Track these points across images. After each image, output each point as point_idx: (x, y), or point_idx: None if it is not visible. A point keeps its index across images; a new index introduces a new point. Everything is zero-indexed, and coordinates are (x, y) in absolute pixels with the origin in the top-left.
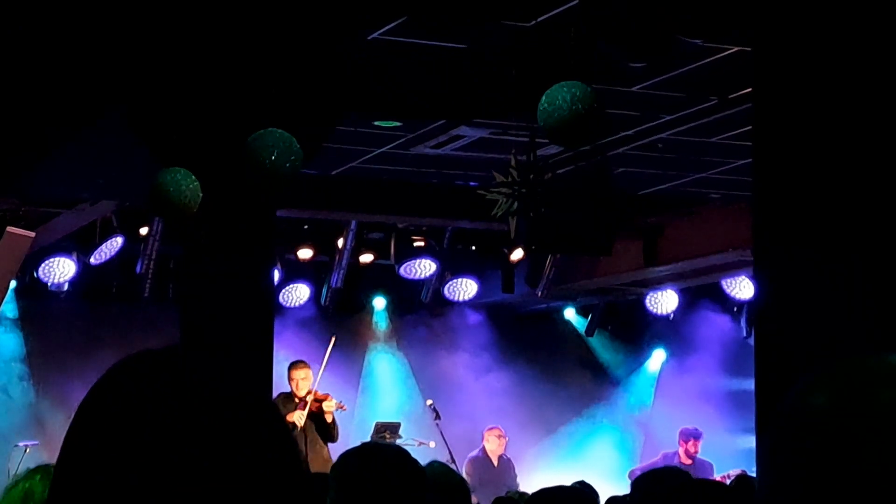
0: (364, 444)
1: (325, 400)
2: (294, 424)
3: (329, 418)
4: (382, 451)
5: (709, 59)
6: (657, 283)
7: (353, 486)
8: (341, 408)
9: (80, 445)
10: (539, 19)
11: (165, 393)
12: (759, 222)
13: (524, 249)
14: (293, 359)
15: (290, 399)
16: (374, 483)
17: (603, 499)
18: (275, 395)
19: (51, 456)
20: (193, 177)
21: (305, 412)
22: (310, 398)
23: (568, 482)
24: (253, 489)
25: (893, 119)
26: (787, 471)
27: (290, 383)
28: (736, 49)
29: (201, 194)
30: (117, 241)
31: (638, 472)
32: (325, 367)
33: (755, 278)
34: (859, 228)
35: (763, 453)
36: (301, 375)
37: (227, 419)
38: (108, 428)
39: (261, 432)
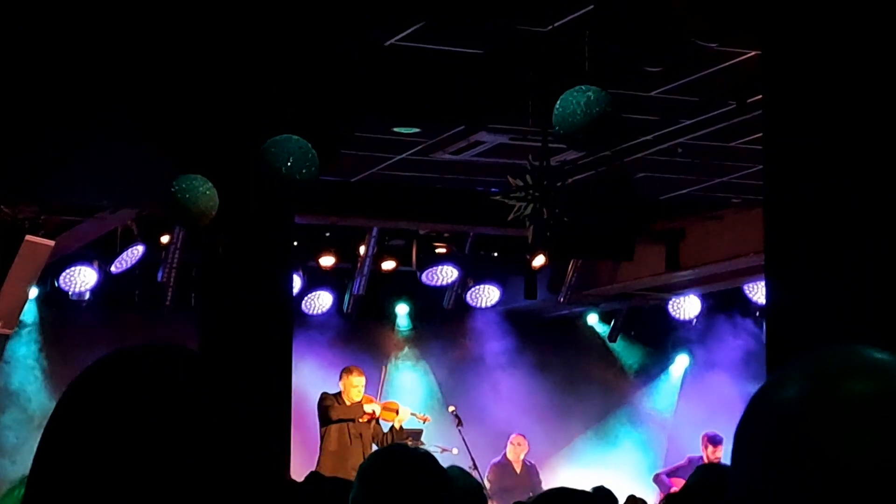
0: (391, 446)
1: (397, 409)
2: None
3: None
4: (408, 453)
5: (726, 63)
6: (679, 289)
7: (375, 486)
8: (425, 419)
9: (54, 445)
10: (555, 24)
11: (138, 393)
12: (771, 227)
13: (543, 254)
14: (316, 366)
15: (340, 400)
16: (396, 484)
17: None
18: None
19: None
20: (210, 184)
21: (378, 406)
22: (378, 408)
23: (589, 487)
24: (224, 490)
25: None
26: (756, 462)
27: (345, 388)
28: (753, 53)
29: (219, 201)
30: (138, 250)
31: (663, 477)
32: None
33: (767, 283)
34: (871, 232)
35: (735, 445)
36: (359, 382)
37: (197, 420)
38: (80, 428)
39: (231, 434)
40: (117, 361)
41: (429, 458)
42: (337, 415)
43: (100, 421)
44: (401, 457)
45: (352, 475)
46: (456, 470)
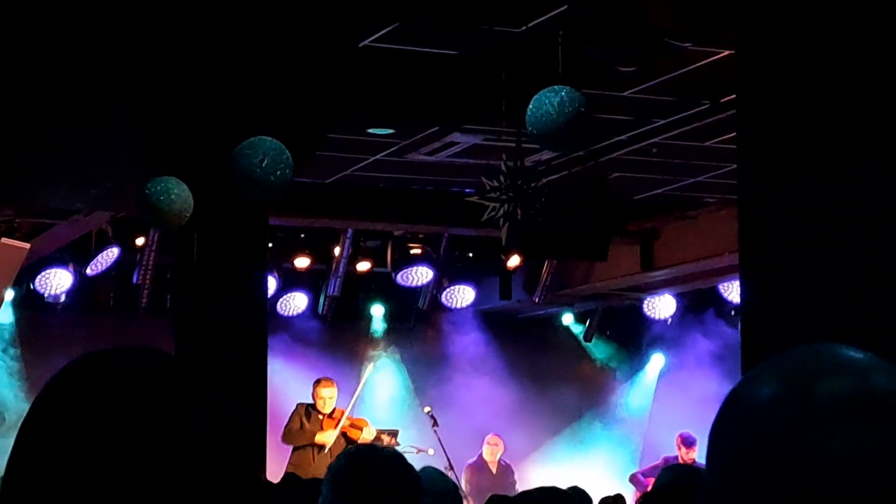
0: (359, 447)
1: (363, 427)
2: (322, 446)
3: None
4: (377, 454)
5: (700, 63)
6: (654, 288)
7: (345, 488)
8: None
9: (28, 447)
10: (528, 25)
11: (111, 395)
12: (745, 226)
13: (518, 255)
14: (291, 368)
15: (312, 413)
16: (366, 485)
17: None
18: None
19: None
20: (184, 185)
21: (336, 433)
22: (345, 420)
23: (566, 487)
24: (200, 492)
25: (880, 122)
26: (730, 462)
27: (315, 399)
28: (727, 53)
29: (193, 203)
30: (113, 252)
31: (639, 476)
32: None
33: (741, 282)
34: (845, 231)
35: (709, 445)
36: (328, 393)
37: (171, 422)
38: (53, 430)
39: (206, 436)
40: (90, 363)
41: (398, 457)
42: (290, 441)
43: (73, 423)
44: (370, 457)
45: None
46: (431, 471)
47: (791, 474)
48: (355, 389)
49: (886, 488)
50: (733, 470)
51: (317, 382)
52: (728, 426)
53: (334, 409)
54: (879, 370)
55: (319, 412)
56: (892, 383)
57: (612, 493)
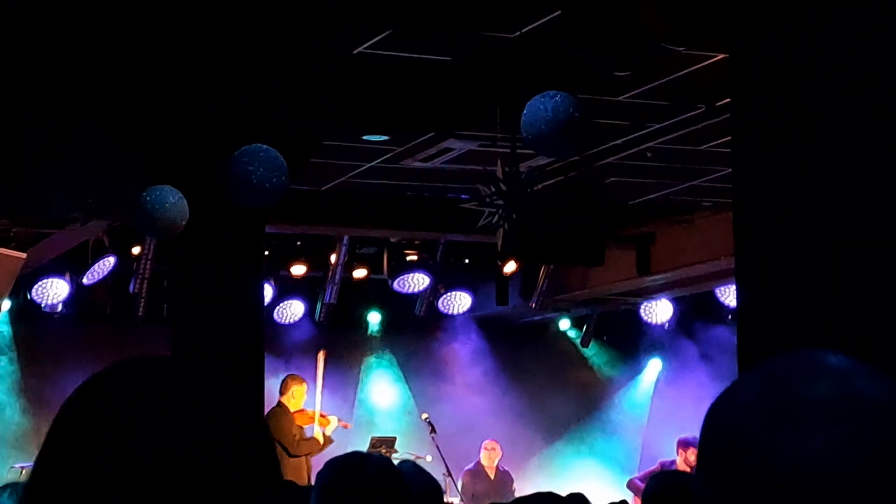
0: (347, 454)
1: (329, 423)
2: (316, 441)
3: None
4: (365, 460)
5: (695, 67)
6: (651, 293)
7: (334, 497)
8: (345, 426)
9: (59, 447)
10: (522, 30)
11: (149, 400)
12: (740, 230)
13: (514, 261)
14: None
15: (286, 414)
16: (355, 494)
17: None
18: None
19: None
20: (180, 194)
21: (318, 426)
22: (317, 416)
23: (564, 493)
24: (232, 497)
25: (875, 126)
26: (715, 465)
27: (287, 398)
28: (721, 56)
29: (188, 211)
30: (109, 261)
31: (637, 482)
32: (322, 383)
33: (737, 286)
34: (841, 234)
35: (698, 450)
36: (301, 390)
37: (209, 426)
38: (88, 432)
39: (244, 445)
40: (115, 373)
41: (387, 465)
42: (309, 450)
43: (98, 431)
44: (359, 465)
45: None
46: (410, 465)
47: (772, 476)
48: (353, 394)
49: (866, 489)
50: (719, 474)
51: (292, 380)
52: (712, 432)
53: (302, 408)
54: (861, 374)
55: (289, 411)
56: (873, 386)
57: (614, 500)
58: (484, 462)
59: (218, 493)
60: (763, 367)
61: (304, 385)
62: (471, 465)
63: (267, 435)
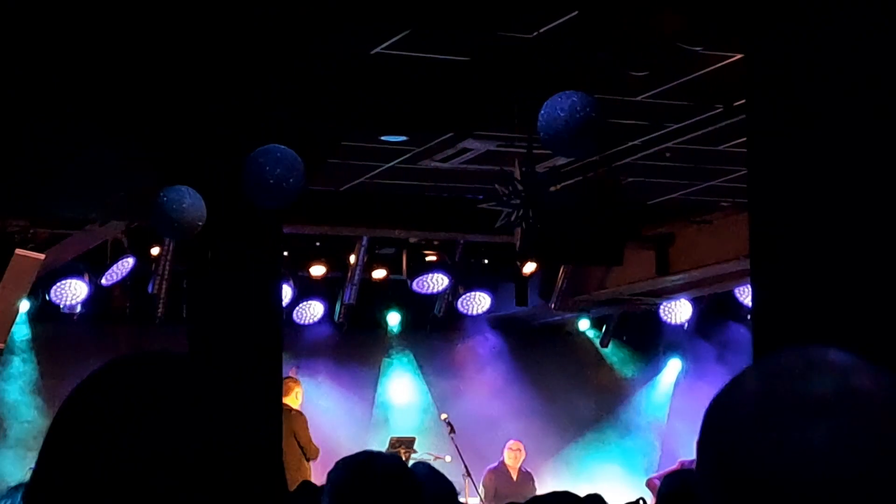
0: (358, 453)
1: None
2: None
3: None
4: (376, 459)
5: (712, 67)
6: (670, 293)
7: (345, 497)
8: None
9: (59, 447)
10: (540, 30)
11: (147, 397)
12: (756, 230)
13: (533, 261)
14: (307, 377)
15: (304, 418)
16: (367, 494)
17: None
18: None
19: None
20: (198, 194)
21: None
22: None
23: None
24: (233, 496)
25: (891, 125)
26: (714, 460)
27: (291, 399)
28: (739, 56)
29: (206, 212)
30: (128, 262)
31: (656, 481)
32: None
33: (752, 285)
34: (857, 234)
35: (698, 443)
36: (301, 391)
37: (209, 424)
38: (79, 436)
39: (244, 443)
40: (114, 369)
41: (399, 465)
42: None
43: (98, 429)
44: (370, 466)
45: (294, 475)
46: (424, 468)
47: (772, 472)
48: (372, 395)
49: (866, 485)
50: (719, 470)
51: (293, 381)
52: (712, 428)
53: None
54: (860, 370)
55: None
56: (873, 383)
57: (632, 500)
58: (508, 462)
59: (218, 493)
60: (762, 364)
61: (299, 384)
62: (494, 465)
63: (268, 434)
